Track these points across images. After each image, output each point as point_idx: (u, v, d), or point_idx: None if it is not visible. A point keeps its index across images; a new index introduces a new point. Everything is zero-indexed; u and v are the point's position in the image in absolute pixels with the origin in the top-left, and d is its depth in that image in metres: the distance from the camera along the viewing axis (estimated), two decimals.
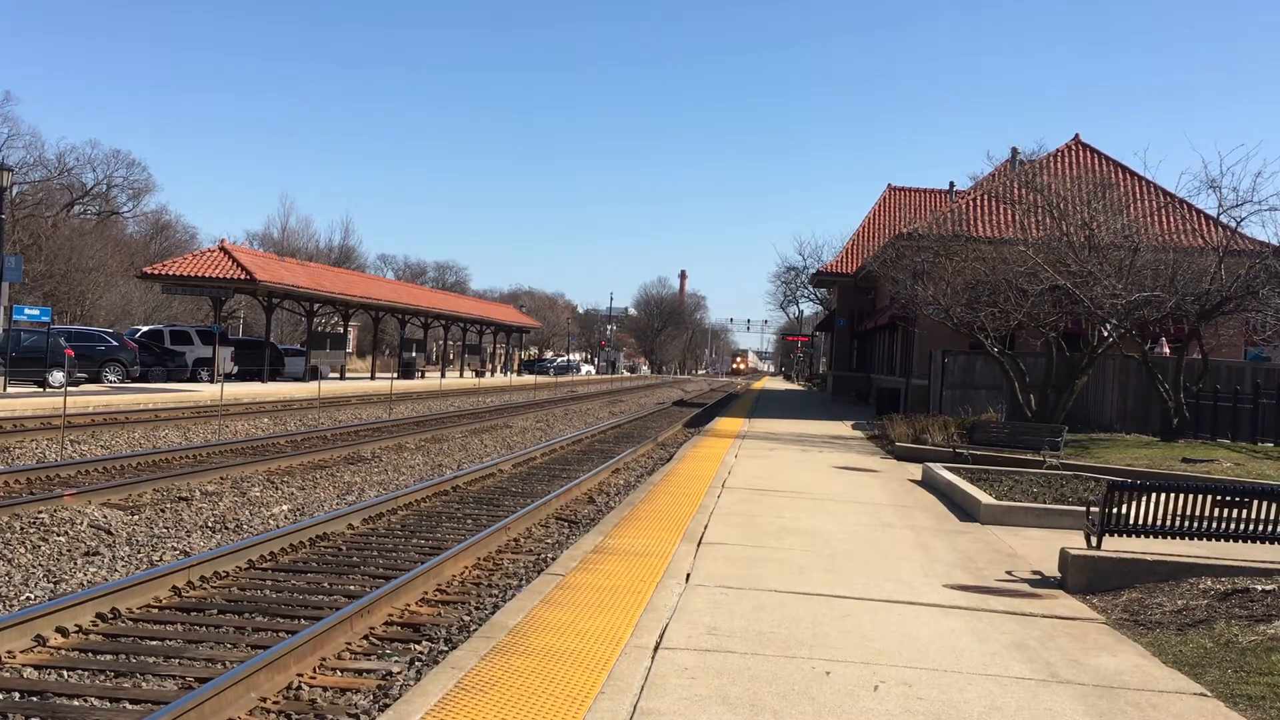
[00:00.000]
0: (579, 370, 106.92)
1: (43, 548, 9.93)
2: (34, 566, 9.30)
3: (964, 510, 13.25)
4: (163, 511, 12.21)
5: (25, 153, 62.76)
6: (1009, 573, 9.41)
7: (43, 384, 29.60)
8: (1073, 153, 34.61)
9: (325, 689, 6.45)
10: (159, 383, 35.09)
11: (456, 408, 35.21)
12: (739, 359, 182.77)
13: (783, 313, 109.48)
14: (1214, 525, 9.26)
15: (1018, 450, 18.63)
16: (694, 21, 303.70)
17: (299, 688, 6.40)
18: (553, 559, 10.45)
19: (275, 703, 6.14)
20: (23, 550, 9.75)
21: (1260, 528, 9.11)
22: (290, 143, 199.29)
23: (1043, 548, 10.53)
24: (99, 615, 7.58)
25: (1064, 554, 9.07)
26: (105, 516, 11.38)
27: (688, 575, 8.52)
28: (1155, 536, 9.35)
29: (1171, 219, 30.85)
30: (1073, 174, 29.97)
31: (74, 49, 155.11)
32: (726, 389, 74.50)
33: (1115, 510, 9.33)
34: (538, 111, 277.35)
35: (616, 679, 5.70)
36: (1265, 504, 9.11)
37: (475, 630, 7.18)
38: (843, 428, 28.80)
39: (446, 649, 7.29)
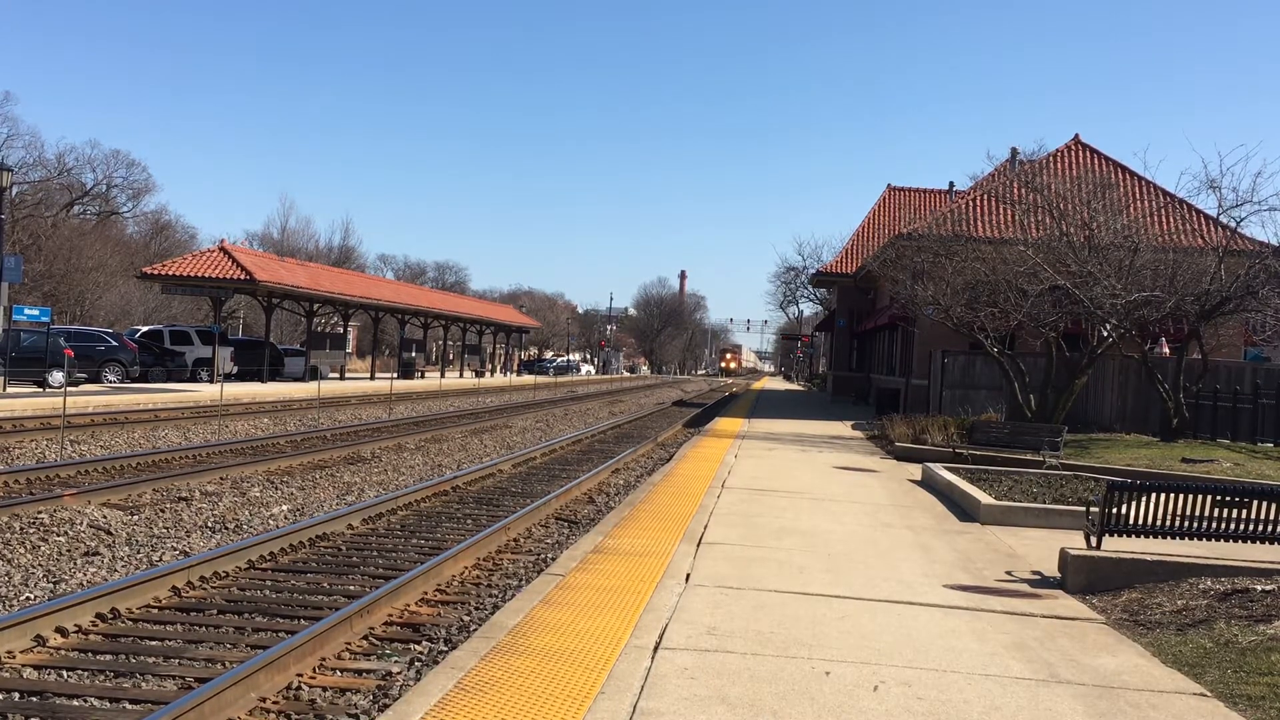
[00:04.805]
0: (579, 370, 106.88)
1: (42, 548, 9.92)
2: (34, 566, 9.30)
3: (964, 510, 13.25)
4: (162, 512, 12.21)
5: (25, 153, 62.84)
6: (1009, 573, 9.41)
7: (42, 384, 29.60)
8: (1072, 153, 34.60)
9: (325, 689, 6.45)
10: (159, 383, 35.09)
11: (456, 408, 35.20)
12: (730, 356, 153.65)
13: (782, 313, 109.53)
14: (1214, 525, 9.27)
15: (1017, 450, 18.63)
16: (694, 21, 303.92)
17: (299, 688, 6.40)
18: (552, 559, 10.45)
19: (275, 703, 6.14)
20: (22, 550, 9.75)
21: (1260, 528, 9.11)
22: (290, 143, 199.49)
23: (1042, 548, 10.53)
24: (99, 615, 7.58)
25: (1064, 554, 9.07)
26: (105, 516, 11.38)
27: (687, 575, 8.52)
28: (1155, 536, 9.35)
29: (1171, 219, 30.84)
30: (1073, 174, 29.97)
31: (74, 49, 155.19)
32: (726, 389, 74.47)
33: (1115, 510, 9.33)
34: (538, 111, 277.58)
35: (616, 679, 5.70)
36: (1265, 504, 9.11)
37: (475, 630, 7.18)
38: (842, 428, 28.79)
39: (446, 649, 7.29)
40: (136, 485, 13.42)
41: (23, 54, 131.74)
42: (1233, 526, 9.24)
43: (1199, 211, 29.32)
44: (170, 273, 40.76)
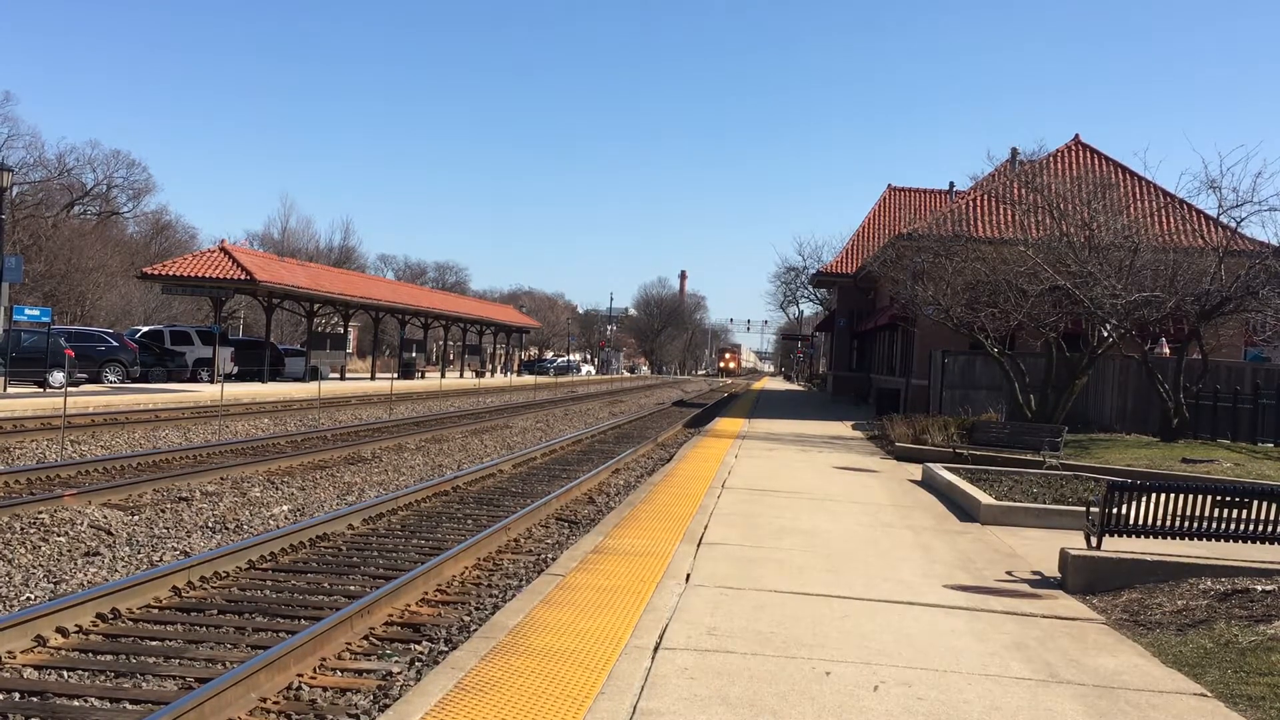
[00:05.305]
0: (579, 371, 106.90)
1: (43, 548, 9.93)
2: (34, 567, 9.31)
3: (964, 510, 13.25)
4: (163, 512, 12.21)
5: (25, 153, 62.89)
6: (1009, 573, 9.41)
7: (43, 384, 29.60)
8: (1073, 153, 34.62)
9: (325, 689, 6.45)
10: (159, 383, 35.09)
11: (456, 408, 35.21)
12: (729, 356, 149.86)
13: (783, 313, 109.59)
14: (1214, 525, 9.27)
15: (1018, 450, 18.63)
16: (694, 21, 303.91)
17: (299, 688, 6.40)
18: (553, 559, 10.46)
19: (275, 703, 6.14)
20: (23, 550, 9.75)
21: (1260, 528, 9.12)
22: (290, 143, 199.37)
23: (1043, 548, 10.53)
24: (99, 615, 7.59)
25: (1064, 554, 9.07)
26: (105, 517, 11.38)
27: (688, 575, 8.52)
28: (1155, 537, 9.35)
29: (1171, 219, 30.85)
30: (1073, 174, 29.98)
31: (74, 49, 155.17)
32: (727, 390, 74.50)
33: (1115, 510, 9.33)
34: (538, 112, 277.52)
35: (616, 679, 5.70)
36: (1265, 504, 9.12)
37: (475, 630, 7.18)
38: (842, 428, 28.80)
39: (446, 649, 7.29)
40: (137, 485, 13.42)
41: (23, 54, 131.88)
42: (1233, 526, 9.25)
43: (1199, 211, 29.33)
44: (171, 273, 40.76)
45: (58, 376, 29.07)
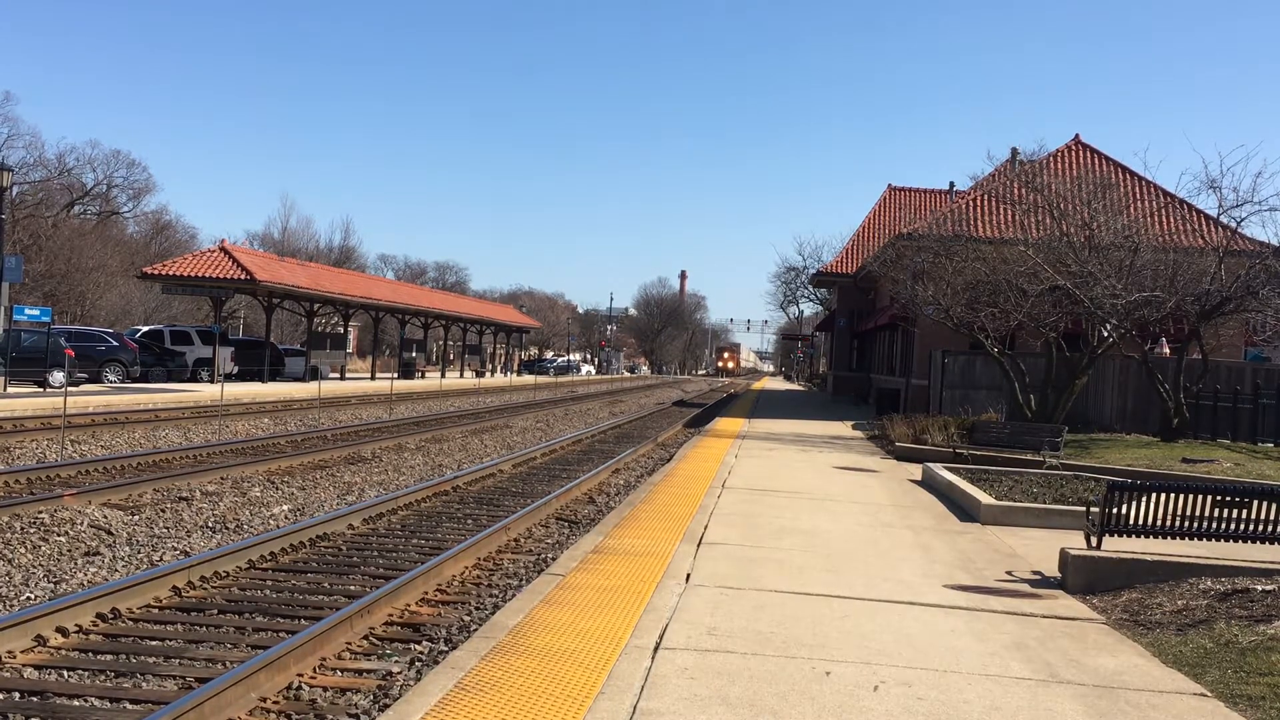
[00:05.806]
0: (579, 370, 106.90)
1: (43, 548, 9.93)
2: (34, 566, 9.31)
3: (964, 510, 13.25)
4: (163, 511, 12.21)
5: (25, 153, 62.87)
6: (1009, 573, 9.41)
7: (43, 384, 29.60)
8: (1073, 153, 34.61)
9: (325, 689, 6.45)
10: (159, 383, 35.10)
11: (456, 408, 35.21)
12: (728, 355, 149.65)
13: (783, 313, 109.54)
14: (1214, 525, 9.27)
15: (1018, 450, 18.63)
16: (694, 21, 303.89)
17: (299, 688, 6.40)
18: (553, 559, 10.46)
19: (275, 703, 6.14)
20: (23, 550, 9.75)
21: (1260, 528, 9.12)
22: (290, 143, 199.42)
23: (1043, 548, 10.53)
24: (99, 615, 7.59)
25: (1064, 554, 9.07)
26: (105, 516, 11.38)
27: (688, 575, 8.52)
28: (1155, 537, 9.35)
29: (1171, 219, 30.85)
30: (1073, 174, 29.97)
31: (74, 49, 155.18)
32: (726, 390, 74.50)
33: (1115, 510, 9.33)
34: (538, 112, 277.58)
35: (616, 679, 5.70)
36: (1265, 504, 9.12)
37: (475, 630, 7.18)
38: (843, 428, 28.80)
39: (446, 649, 7.29)
40: (137, 485, 13.42)
41: (23, 54, 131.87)
42: (1233, 526, 9.24)
43: (1199, 211, 29.32)
44: (171, 273, 40.76)
45: (58, 376, 29.07)
